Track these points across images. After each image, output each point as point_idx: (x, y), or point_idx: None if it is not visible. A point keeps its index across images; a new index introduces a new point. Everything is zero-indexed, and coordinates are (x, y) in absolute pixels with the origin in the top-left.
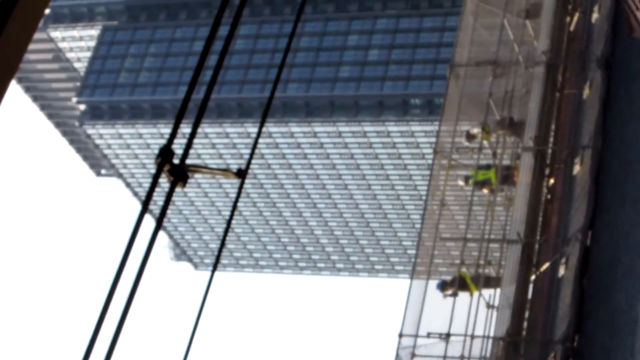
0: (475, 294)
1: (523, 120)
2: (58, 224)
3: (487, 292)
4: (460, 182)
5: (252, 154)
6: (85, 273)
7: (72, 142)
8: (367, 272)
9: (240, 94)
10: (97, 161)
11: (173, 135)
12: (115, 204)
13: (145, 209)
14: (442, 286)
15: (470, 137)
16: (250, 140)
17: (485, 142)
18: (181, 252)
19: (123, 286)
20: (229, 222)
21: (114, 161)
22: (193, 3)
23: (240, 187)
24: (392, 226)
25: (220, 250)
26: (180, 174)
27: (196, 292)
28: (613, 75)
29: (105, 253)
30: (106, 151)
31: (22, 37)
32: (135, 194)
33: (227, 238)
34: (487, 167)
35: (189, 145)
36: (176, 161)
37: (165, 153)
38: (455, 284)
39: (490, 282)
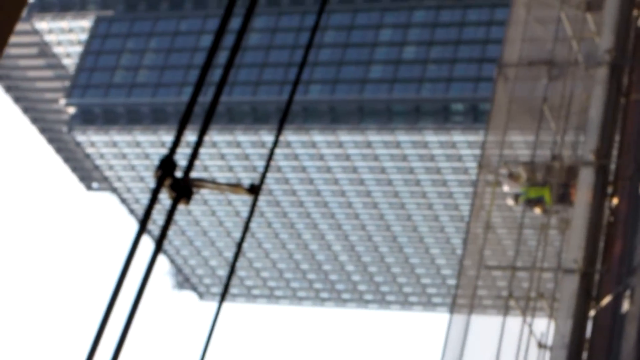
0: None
1: (577, 164)
2: (42, 244)
3: (539, 329)
4: (509, 201)
5: (267, 167)
6: (76, 302)
7: (59, 150)
8: (400, 305)
9: (254, 97)
10: (87, 173)
11: (176, 144)
12: (108, 223)
13: (142, 229)
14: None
15: (513, 177)
16: (265, 151)
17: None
18: (184, 280)
19: (117, 319)
20: (239, 246)
21: (107, 173)
22: None
23: (253, 205)
24: (429, 252)
25: (229, 278)
26: (183, 190)
27: (201, 326)
28: None
29: (97, 279)
30: (98, 161)
31: (2, 28)
32: (132, 211)
33: (238, 264)
34: (541, 183)
35: (194, 156)
36: (179, 174)
37: (166, 164)
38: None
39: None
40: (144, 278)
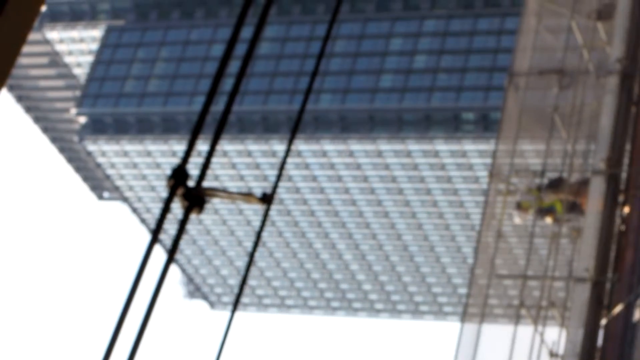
0: (537, 339)
1: (586, 180)
2: (54, 254)
3: (550, 338)
4: (516, 219)
5: (279, 176)
6: (87, 312)
7: (70, 160)
8: (411, 314)
9: (265, 106)
10: (99, 182)
11: (188, 153)
12: (119, 232)
13: (155, 238)
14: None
15: (522, 208)
16: (277, 160)
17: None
18: (195, 289)
19: (129, 329)
20: (251, 255)
21: (118, 183)
22: (211, 0)
23: (266, 215)
24: (440, 261)
25: (241, 287)
26: (196, 199)
27: (212, 335)
28: None
29: (109, 289)
30: (109, 171)
31: (14, 38)
32: (143, 221)
33: (249, 273)
34: (552, 181)
35: (206, 165)
36: (191, 184)
37: (178, 174)
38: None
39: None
40: (156, 288)
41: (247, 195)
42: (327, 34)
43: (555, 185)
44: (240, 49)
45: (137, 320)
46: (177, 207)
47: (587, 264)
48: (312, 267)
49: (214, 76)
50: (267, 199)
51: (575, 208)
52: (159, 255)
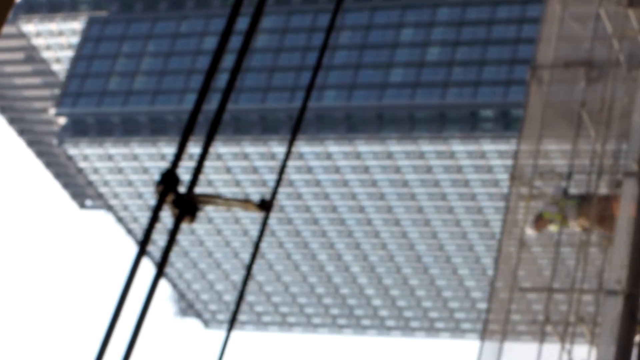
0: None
1: (617, 196)
2: (32, 268)
3: (579, 357)
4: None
5: (279, 181)
6: (70, 332)
7: (49, 165)
8: (425, 332)
9: (264, 104)
10: (80, 189)
11: (179, 156)
12: (103, 244)
13: (142, 250)
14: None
15: (540, 221)
16: (275, 163)
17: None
18: (187, 306)
19: (116, 349)
20: (249, 268)
21: (102, 189)
22: None
23: (264, 223)
24: (457, 273)
25: (238, 303)
26: (187, 206)
27: (207, 357)
28: None
29: (92, 306)
30: (92, 177)
31: None
32: (130, 231)
33: (247, 288)
34: (580, 197)
35: (199, 169)
36: (183, 190)
37: (168, 179)
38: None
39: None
40: (144, 306)
41: (244, 202)
42: (330, 25)
43: (580, 203)
44: (236, 42)
45: (123, 341)
46: (167, 216)
47: (619, 275)
48: (316, 281)
49: (207, 72)
50: (266, 205)
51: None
52: (147, 269)
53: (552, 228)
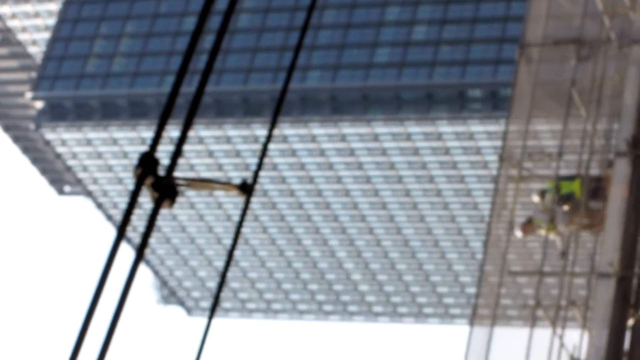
0: (556, 343)
1: (604, 205)
2: (9, 257)
3: (571, 342)
4: (535, 198)
5: (260, 162)
6: (49, 320)
7: (26, 150)
8: (414, 318)
9: (246, 86)
10: (59, 175)
11: (157, 138)
12: (82, 230)
13: (121, 234)
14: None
15: (529, 226)
16: (259, 146)
17: (551, 235)
18: (170, 294)
19: (94, 338)
20: (230, 253)
21: (80, 175)
22: None
23: (246, 206)
24: (445, 257)
25: (219, 289)
26: (167, 190)
27: (190, 345)
28: None
29: (72, 295)
30: (70, 162)
31: None
32: (109, 217)
33: (230, 274)
34: (570, 177)
35: (178, 151)
36: (162, 173)
37: (147, 162)
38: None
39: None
40: (124, 290)
41: (225, 184)
42: (312, 4)
43: (572, 211)
44: (216, 23)
45: (103, 328)
46: (147, 202)
47: (611, 257)
48: (302, 267)
49: (185, 53)
50: (247, 188)
51: (597, 194)
52: (128, 255)
53: (541, 232)
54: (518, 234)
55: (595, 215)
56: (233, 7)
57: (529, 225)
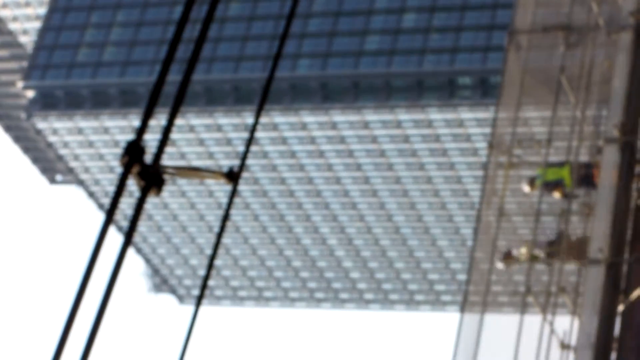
0: (546, 329)
1: (586, 238)
2: (2, 244)
3: (561, 328)
4: (525, 187)
5: (247, 149)
6: (39, 307)
7: (17, 139)
8: (405, 305)
9: (236, 74)
10: (50, 164)
11: (144, 125)
12: (74, 219)
13: (108, 222)
14: (505, 257)
15: (508, 258)
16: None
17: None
18: (161, 282)
19: (83, 325)
20: (218, 237)
21: (72, 164)
22: None
23: (233, 193)
24: (436, 244)
25: (207, 275)
26: (153, 178)
27: (182, 333)
28: None
29: (63, 282)
30: (62, 151)
31: None
32: (100, 206)
33: (221, 262)
34: (560, 164)
35: (165, 139)
36: (149, 161)
37: (133, 149)
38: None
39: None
40: (113, 275)
41: (212, 172)
42: None
43: (552, 243)
44: (204, 10)
45: (90, 319)
46: (137, 191)
47: (601, 243)
48: (293, 254)
49: (170, 42)
50: (234, 176)
51: (586, 181)
52: (117, 243)
53: (521, 259)
54: (499, 265)
55: (577, 247)
56: None
57: (509, 258)
